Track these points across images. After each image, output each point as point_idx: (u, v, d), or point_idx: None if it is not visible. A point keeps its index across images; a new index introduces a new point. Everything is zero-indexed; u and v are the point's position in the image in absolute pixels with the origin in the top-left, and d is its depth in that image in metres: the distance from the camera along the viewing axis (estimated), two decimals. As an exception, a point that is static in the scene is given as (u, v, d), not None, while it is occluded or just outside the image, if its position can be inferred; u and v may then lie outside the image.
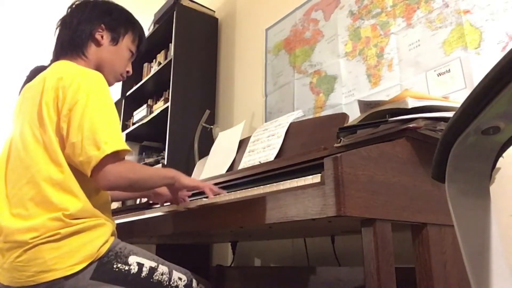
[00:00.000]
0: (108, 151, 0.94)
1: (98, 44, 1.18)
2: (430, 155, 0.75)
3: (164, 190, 1.38)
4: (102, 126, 0.97)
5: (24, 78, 1.73)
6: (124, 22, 1.23)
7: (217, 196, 1.11)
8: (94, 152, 0.93)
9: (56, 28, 1.20)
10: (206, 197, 1.14)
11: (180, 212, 1.16)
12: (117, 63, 1.22)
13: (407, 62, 1.51)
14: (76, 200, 0.97)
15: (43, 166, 0.99)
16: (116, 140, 0.97)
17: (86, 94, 0.99)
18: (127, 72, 1.27)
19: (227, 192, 1.11)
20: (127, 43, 1.24)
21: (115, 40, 1.20)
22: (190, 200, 1.28)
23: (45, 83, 1.04)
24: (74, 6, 1.21)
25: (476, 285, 0.51)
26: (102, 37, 1.18)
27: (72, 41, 1.15)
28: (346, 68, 1.73)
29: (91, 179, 0.98)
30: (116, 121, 1.02)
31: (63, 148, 0.99)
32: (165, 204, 1.42)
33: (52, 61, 1.18)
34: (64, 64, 1.11)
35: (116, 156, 0.96)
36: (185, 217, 1.15)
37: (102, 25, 1.18)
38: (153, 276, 1.02)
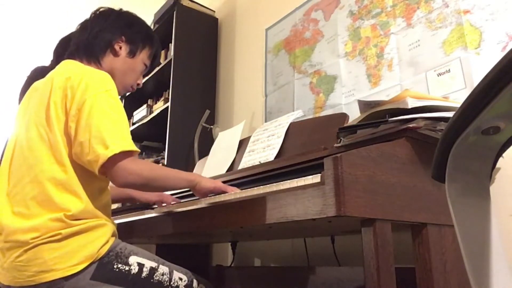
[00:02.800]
0: (117, 151, 0.95)
1: (115, 54, 1.19)
2: (430, 155, 0.75)
3: (145, 196, 1.42)
4: (110, 126, 0.98)
5: (25, 79, 1.73)
6: (144, 36, 1.25)
7: (223, 195, 1.05)
8: (103, 151, 0.94)
9: (76, 29, 1.21)
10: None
11: (180, 212, 1.16)
12: (130, 75, 1.23)
13: (407, 62, 1.51)
14: (78, 201, 0.98)
15: (47, 165, 0.99)
16: (125, 140, 0.98)
17: (94, 93, 1.00)
18: (138, 84, 1.28)
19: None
20: (143, 57, 1.25)
21: (132, 53, 1.22)
22: (189, 201, 1.28)
23: (53, 83, 1.04)
24: (98, 12, 1.22)
25: (476, 285, 0.51)
26: (120, 48, 1.19)
27: (89, 46, 1.16)
28: (346, 68, 1.73)
29: (95, 179, 0.99)
30: (124, 120, 1.03)
31: (69, 147, 1.00)
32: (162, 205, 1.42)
33: (54, 61, 1.18)
34: (72, 64, 1.12)
35: (125, 155, 0.97)
36: (185, 217, 1.15)
37: (123, 37, 1.20)
38: (154, 277, 1.02)
